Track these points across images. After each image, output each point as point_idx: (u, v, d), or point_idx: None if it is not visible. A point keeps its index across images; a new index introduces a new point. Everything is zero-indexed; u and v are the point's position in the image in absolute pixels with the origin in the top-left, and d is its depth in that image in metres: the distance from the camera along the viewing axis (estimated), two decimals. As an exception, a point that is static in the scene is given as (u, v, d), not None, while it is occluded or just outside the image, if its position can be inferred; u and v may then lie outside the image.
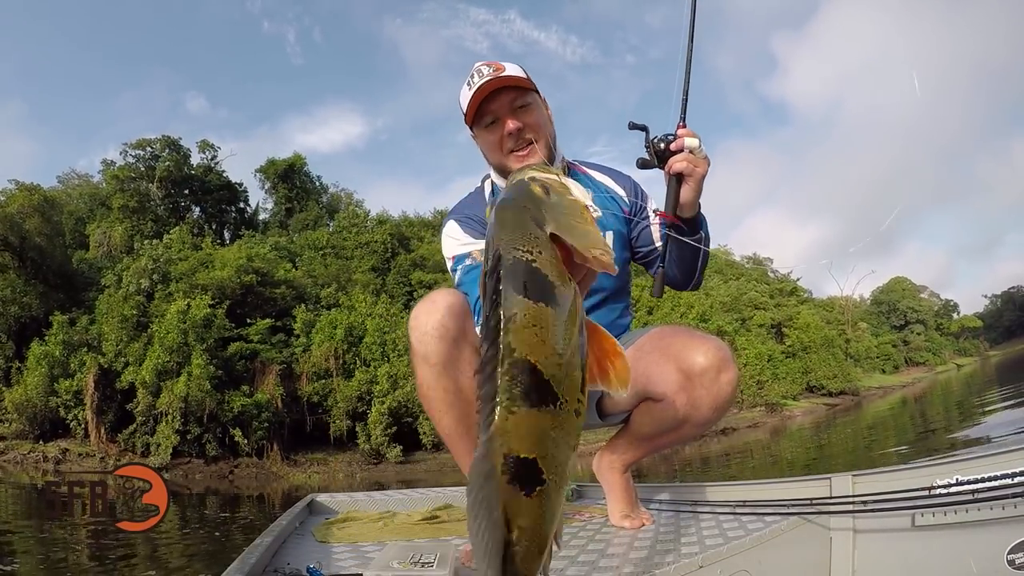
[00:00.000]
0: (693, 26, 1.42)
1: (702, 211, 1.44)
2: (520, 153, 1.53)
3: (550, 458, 0.65)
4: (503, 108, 1.50)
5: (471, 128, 1.60)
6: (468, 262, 1.53)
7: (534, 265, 0.67)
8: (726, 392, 1.38)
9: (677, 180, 1.36)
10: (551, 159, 1.57)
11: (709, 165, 1.38)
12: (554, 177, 0.78)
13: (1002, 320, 73.93)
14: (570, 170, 1.68)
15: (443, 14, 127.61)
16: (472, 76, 1.53)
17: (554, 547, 0.69)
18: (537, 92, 1.56)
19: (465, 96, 1.54)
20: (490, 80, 1.48)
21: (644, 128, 1.45)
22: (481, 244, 1.48)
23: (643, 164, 1.42)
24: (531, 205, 0.73)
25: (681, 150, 1.36)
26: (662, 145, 1.38)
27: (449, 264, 1.59)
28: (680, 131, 1.39)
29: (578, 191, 0.78)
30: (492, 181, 1.67)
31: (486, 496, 0.64)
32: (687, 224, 1.41)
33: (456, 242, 1.58)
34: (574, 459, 0.68)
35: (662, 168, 1.38)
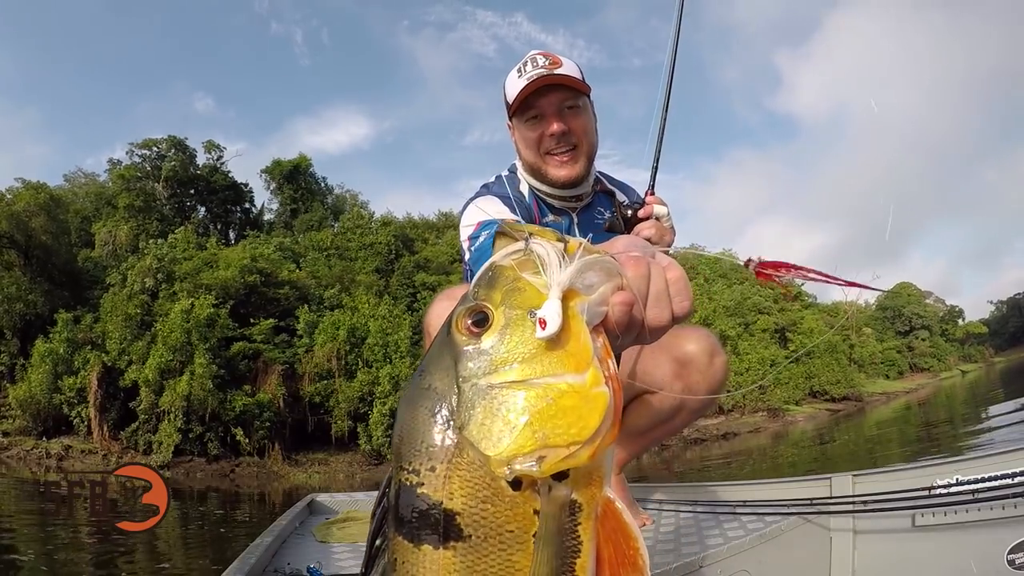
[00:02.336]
0: (668, 98, 1.44)
1: None
2: (558, 157, 1.44)
3: None
4: (551, 106, 1.41)
5: (511, 118, 1.50)
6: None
7: (420, 492, 0.45)
8: (719, 375, 1.40)
9: None
10: (589, 169, 1.49)
11: (675, 235, 1.38)
12: (514, 286, 0.46)
13: (1007, 326, 73.52)
14: (597, 194, 1.58)
15: (450, 16, 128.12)
16: (525, 64, 1.43)
17: None
18: (588, 96, 1.47)
19: (513, 83, 1.43)
20: (544, 76, 1.38)
21: (611, 193, 1.52)
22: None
23: (610, 227, 1.42)
24: (439, 383, 0.46)
25: (649, 217, 1.36)
26: (629, 212, 1.39)
27: (471, 231, 1.36)
28: (649, 198, 1.40)
29: (561, 282, 0.44)
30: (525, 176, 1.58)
31: None
32: None
33: (492, 214, 1.38)
34: None
35: (628, 233, 1.36)
